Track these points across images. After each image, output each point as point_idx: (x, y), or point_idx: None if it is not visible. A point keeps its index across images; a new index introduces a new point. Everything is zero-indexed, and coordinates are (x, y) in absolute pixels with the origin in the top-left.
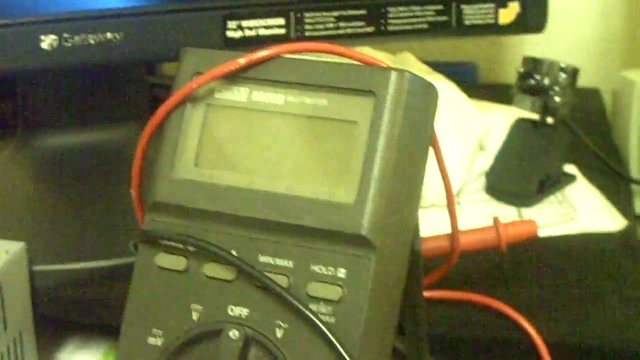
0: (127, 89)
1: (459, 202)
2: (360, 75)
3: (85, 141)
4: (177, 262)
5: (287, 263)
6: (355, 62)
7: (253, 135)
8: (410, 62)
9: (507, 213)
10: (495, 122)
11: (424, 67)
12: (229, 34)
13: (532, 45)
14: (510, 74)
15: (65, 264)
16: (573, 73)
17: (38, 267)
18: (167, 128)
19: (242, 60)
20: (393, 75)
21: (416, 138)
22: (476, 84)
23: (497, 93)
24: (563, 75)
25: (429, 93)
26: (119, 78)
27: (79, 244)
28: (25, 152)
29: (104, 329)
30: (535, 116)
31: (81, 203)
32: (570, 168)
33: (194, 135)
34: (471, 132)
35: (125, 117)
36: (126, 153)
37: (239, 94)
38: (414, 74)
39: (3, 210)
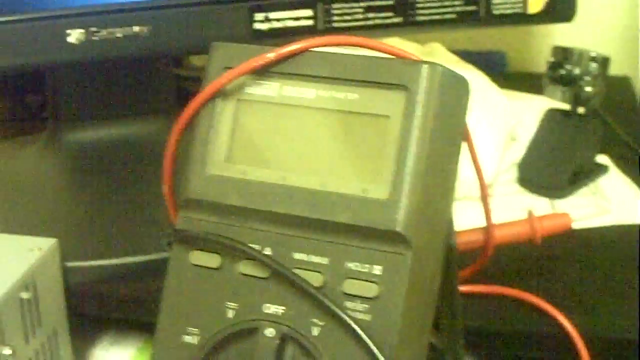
0: (155, 81)
1: (491, 193)
2: (391, 69)
3: (114, 134)
4: (211, 260)
5: (322, 260)
6: (387, 56)
7: (284, 130)
8: (439, 53)
9: (540, 205)
10: (526, 113)
11: (453, 57)
12: (257, 25)
13: (562, 33)
14: (539, 62)
15: (98, 260)
16: (604, 62)
17: (71, 264)
18: (198, 124)
19: (271, 55)
20: (425, 69)
21: (449, 132)
22: (505, 73)
23: (527, 82)
24: (593, 65)
25: (461, 86)
26: (146, 71)
27: (111, 240)
28: (55, 146)
29: (138, 324)
30: (566, 106)
31: (113, 197)
32: (602, 158)
33: (225, 130)
34: (502, 123)
35: (153, 110)
36: (155, 146)
37: (270, 88)
38: (446, 68)
39: (35, 206)
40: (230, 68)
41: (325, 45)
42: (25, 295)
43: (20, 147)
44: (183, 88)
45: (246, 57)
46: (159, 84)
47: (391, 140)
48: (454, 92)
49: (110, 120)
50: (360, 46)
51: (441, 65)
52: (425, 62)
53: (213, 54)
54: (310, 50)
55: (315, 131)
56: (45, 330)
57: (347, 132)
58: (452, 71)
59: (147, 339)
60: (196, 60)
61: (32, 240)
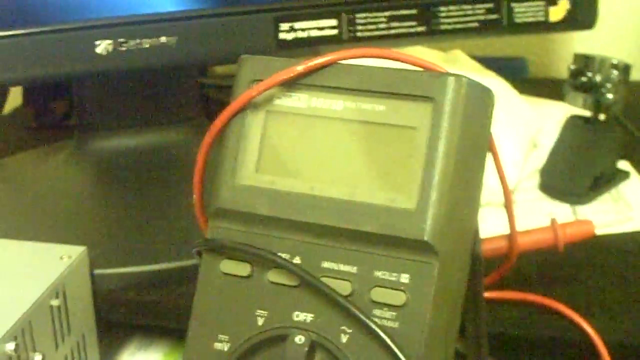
0: (180, 90)
1: (513, 200)
2: (418, 81)
3: (139, 143)
4: (241, 268)
5: (351, 269)
6: (413, 68)
7: (313, 141)
8: (460, 60)
9: (562, 211)
10: (547, 119)
11: (475, 64)
12: (282, 35)
13: (583, 39)
14: (560, 68)
15: (126, 267)
16: (625, 69)
17: (99, 271)
18: (227, 135)
19: (300, 68)
20: (451, 81)
21: (475, 142)
22: (526, 79)
23: (548, 88)
24: (615, 72)
25: (487, 97)
26: (172, 80)
27: (138, 247)
28: (81, 155)
29: (164, 330)
30: (587, 113)
31: (140, 205)
32: (623, 164)
33: (254, 141)
34: (524, 129)
35: (178, 119)
36: (181, 153)
37: (298, 100)
38: (472, 79)
39: (63, 213)
40: (259, 80)
41: (353, 58)
42: (55, 302)
43: (47, 155)
44: (207, 96)
45: (275, 70)
46: (184, 93)
47: (418, 150)
48: (479, 102)
49: (136, 128)
50: (388, 58)
51: (467, 77)
52: (451, 74)
53: (242, 67)
54: (338, 63)
55: (343, 142)
56: (74, 336)
57: (375, 143)
58: (478, 82)
59: (173, 344)
60: (219, 69)
61: (61, 248)
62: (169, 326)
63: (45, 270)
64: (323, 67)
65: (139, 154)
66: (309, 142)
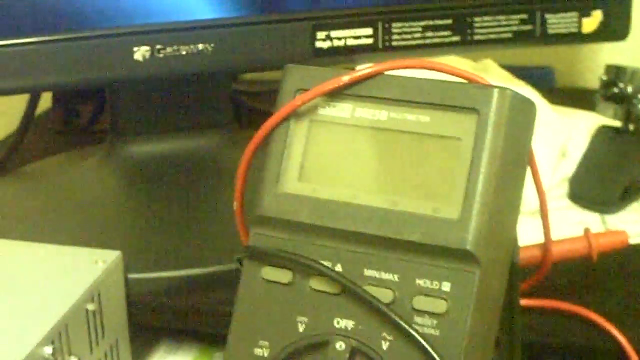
0: (213, 96)
1: None
2: (462, 93)
3: (172, 148)
4: (283, 276)
5: (393, 277)
6: (457, 79)
7: (356, 151)
8: (491, 69)
9: (591, 220)
10: (577, 129)
11: (505, 73)
12: (318, 44)
13: (610, 49)
14: (588, 78)
15: (160, 272)
16: None
17: (133, 275)
18: (272, 143)
19: (345, 78)
20: (496, 93)
21: (517, 153)
22: (554, 89)
23: (576, 98)
24: None
25: (529, 109)
26: (205, 85)
27: (172, 252)
28: (114, 159)
29: (194, 334)
30: (617, 123)
31: (173, 210)
32: None
33: (298, 150)
34: (554, 139)
35: (210, 124)
36: (213, 159)
37: (342, 110)
38: (515, 92)
39: (97, 218)
40: (303, 90)
41: (398, 68)
42: (90, 306)
43: (79, 159)
44: (238, 102)
45: (319, 80)
46: (216, 99)
47: (462, 161)
48: (522, 115)
49: (169, 134)
50: (433, 69)
51: (511, 89)
52: (496, 87)
53: (287, 76)
54: (383, 73)
55: (387, 152)
56: (108, 340)
57: (418, 153)
58: (521, 95)
59: (202, 348)
60: (249, 75)
61: (96, 252)
62: (200, 331)
63: (81, 275)
64: (368, 77)
65: (172, 159)
66: (352, 151)
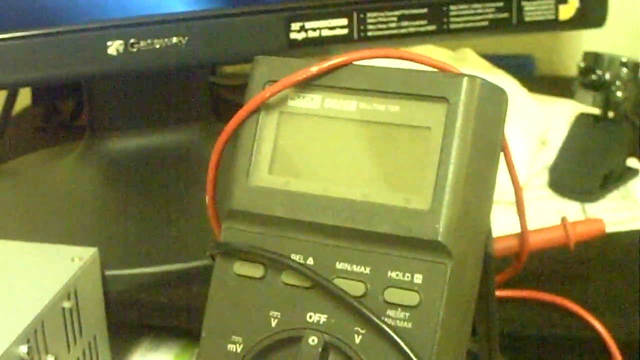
0: (191, 90)
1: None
2: (432, 82)
3: (151, 143)
4: (255, 270)
5: (364, 270)
6: (427, 68)
7: (326, 142)
8: (469, 58)
9: (571, 209)
10: (556, 117)
11: (484, 62)
12: (293, 35)
13: (591, 36)
14: (568, 66)
15: (137, 268)
16: (634, 67)
17: (111, 272)
18: (241, 136)
19: (314, 69)
20: (465, 82)
21: (488, 142)
22: (534, 77)
23: (556, 86)
24: (624, 70)
25: (500, 98)
26: (182, 79)
27: (150, 248)
28: (92, 155)
29: (175, 331)
30: (597, 111)
31: (151, 206)
32: (633, 162)
33: (268, 143)
34: (533, 128)
35: (189, 118)
36: (192, 154)
37: (312, 101)
38: (485, 80)
39: (73, 214)
40: (272, 81)
41: (367, 58)
42: (67, 304)
43: (57, 156)
44: (217, 95)
45: (288, 71)
46: (195, 93)
47: (432, 151)
48: (492, 103)
49: (147, 129)
50: (403, 58)
51: (480, 78)
52: (466, 75)
53: (256, 68)
54: (352, 63)
55: (357, 143)
56: (85, 338)
57: (389, 144)
58: (491, 83)
59: (184, 345)
60: (229, 68)
61: (72, 249)
62: (180, 327)
63: (57, 272)
64: (337, 68)
65: (150, 154)
66: (322, 143)
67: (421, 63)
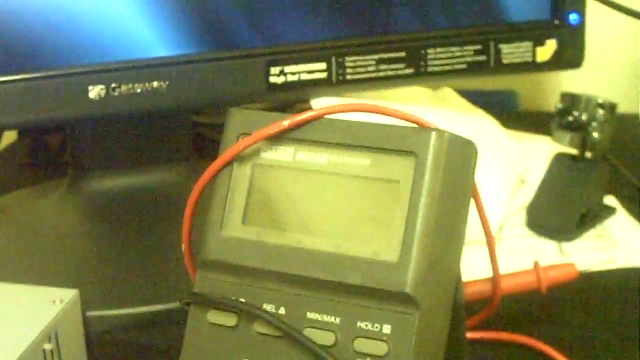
0: (173, 129)
1: (500, 237)
2: (401, 136)
3: (133, 183)
4: (228, 319)
5: (334, 320)
6: (396, 123)
7: (299, 194)
8: (450, 97)
9: (548, 248)
10: (535, 156)
11: (463, 102)
12: (272, 79)
13: (571, 73)
14: (550, 100)
15: (118, 309)
16: (611, 108)
17: (92, 313)
18: (215, 187)
19: (286, 123)
20: (433, 136)
21: (457, 193)
22: (516, 112)
23: (538, 121)
24: (601, 111)
25: (469, 150)
26: (165, 120)
27: (131, 289)
28: (74, 195)
29: None
30: (574, 151)
31: (132, 247)
32: (610, 200)
33: (241, 194)
34: (510, 168)
35: (171, 157)
36: (173, 194)
37: (284, 153)
38: (453, 134)
39: (55, 254)
40: (246, 134)
41: (337, 112)
42: (47, 346)
43: (41, 194)
44: (200, 134)
45: (261, 124)
46: (177, 132)
47: (401, 204)
48: (461, 156)
49: (129, 169)
50: (373, 112)
51: (448, 132)
52: (433, 129)
53: (230, 120)
54: (324, 117)
55: (328, 195)
56: None
57: (359, 196)
58: (459, 136)
59: None
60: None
61: (53, 291)
62: None
63: (38, 314)
64: (309, 121)
65: (132, 194)
66: (294, 195)
67: (394, 117)
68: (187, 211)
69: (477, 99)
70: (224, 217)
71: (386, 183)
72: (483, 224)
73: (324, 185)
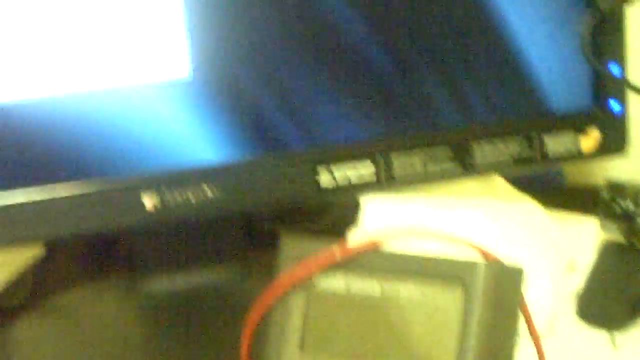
0: (226, 227)
1: (550, 332)
2: (451, 267)
3: (189, 284)
4: None
5: None
6: (446, 256)
7: (353, 321)
8: (498, 187)
9: (599, 338)
10: (582, 240)
11: (511, 189)
12: (323, 184)
13: None
14: (597, 173)
15: None
16: None
17: None
18: (272, 314)
19: (338, 254)
20: (482, 268)
21: (506, 317)
22: (563, 189)
23: (584, 197)
24: None
25: (516, 276)
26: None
27: None
28: (130, 297)
29: None
30: (622, 239)
31: (191, 349)
32: None
33: (297, 321)
34: (558, 257)
35: (225, 255)
36: (229, 293)
37: (337, 282)
38: (503, 264)
39: (112, 357)
40: (299, 260)
41: (392, 239)
42: None
43: (98, 293)
44: (252, 226)
45: (314, 249)
46: (230, 229)
47: (451, 332)
48: (509, 283)
49: (185, 269)
50: (424, 238)
51: (498, 262)
52: (483, 261)
53: (282, 247)
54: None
55: (381, 322)
56: None
57: (411, 324)
58: (508, 266)
59: None
60: None
61: None
62: None
63: None
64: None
65: (186, 294)
66: (349, 322)
67: (442, 240)
68: (244, 341)
69: (525, 180)
70: (282, 344)
71: (437, 311)
72: (533, 337)
73: (376, 312)
